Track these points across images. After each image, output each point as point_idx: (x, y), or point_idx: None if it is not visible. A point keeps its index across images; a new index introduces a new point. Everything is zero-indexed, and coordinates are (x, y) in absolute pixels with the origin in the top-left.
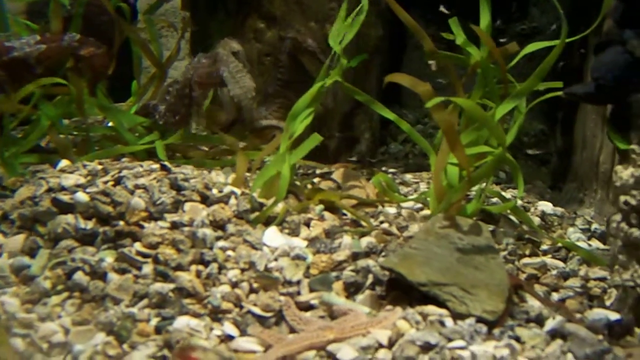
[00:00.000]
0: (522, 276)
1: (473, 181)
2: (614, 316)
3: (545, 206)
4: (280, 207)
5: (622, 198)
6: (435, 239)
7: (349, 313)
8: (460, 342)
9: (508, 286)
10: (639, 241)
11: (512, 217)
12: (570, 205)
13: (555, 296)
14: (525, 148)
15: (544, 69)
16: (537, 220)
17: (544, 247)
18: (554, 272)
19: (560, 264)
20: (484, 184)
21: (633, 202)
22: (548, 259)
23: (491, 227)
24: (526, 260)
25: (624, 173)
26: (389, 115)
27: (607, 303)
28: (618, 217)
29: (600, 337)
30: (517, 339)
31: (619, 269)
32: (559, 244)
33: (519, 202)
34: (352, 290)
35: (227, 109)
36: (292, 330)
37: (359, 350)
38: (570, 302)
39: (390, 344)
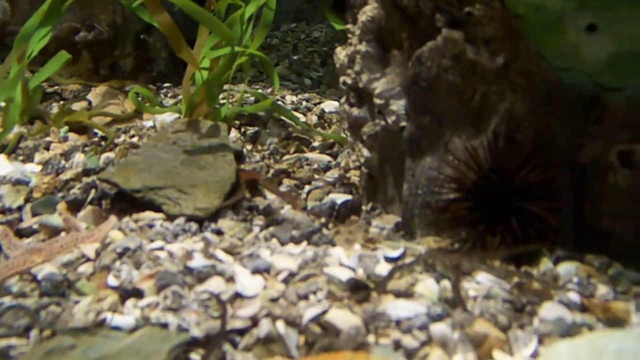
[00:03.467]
0: (271, 172)
1: (209, 82)
2: (344, 199)
3: (329, 105)
4: (13, 134)
5: (342, 79)
6: (164, 143)
7: (71, 231)
8: (159, 243)
9: (232, 182)
10: (359, 120)
11: (285, 119)
12: None
13: (306, 188)
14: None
15: None
16: (314, 119)
17: (315, 144)
18: (315, 166)
19: (327, 158)
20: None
21: (349, 81)
22: (313, 155)
23: (255, 129)
24: (286, 157)
25: (342, 54)
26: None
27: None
28: (343, 99)
29: (322, 220)
30: (218, 232)
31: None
32: (331, 140)
33: (305, 103)
34: (75, 208)
35: None
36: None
37: (59, 267)
38: (315, 192)
39: (98, 256)
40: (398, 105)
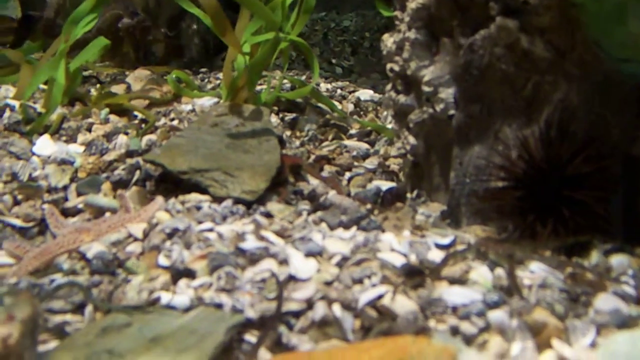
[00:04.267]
0: (312, 158)
1: (253, 67)
2: (388, 186)
3: (364, 94)
4: (56, 114)
5: (388, 66)
6: (208, 126)
7: (123, 208)
8: (208, 224)
9: (277, 166)
10: (405, 107)
11: (322, 106)
12: None
13: (347, 175)
14: (365, 42)
15: None
16: (350, 107)
17: (353, 131)
18: (354, 153)
19: (365, 145)
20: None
21: (396, 67)
22: (352, 142)
23: (294, 115)
24: (325, 144)
25: (389, 40)
26: (193, 9)
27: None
28: (389, 86)
29: (368, 206)
30: (267, 214)
31: (394, 139)
32: (368, 128)
33: (339, 91)
34: (119, 188)
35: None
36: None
37: (108, 246)
38: (357, 179)
39: (146, 236)
40: (447, 93)
